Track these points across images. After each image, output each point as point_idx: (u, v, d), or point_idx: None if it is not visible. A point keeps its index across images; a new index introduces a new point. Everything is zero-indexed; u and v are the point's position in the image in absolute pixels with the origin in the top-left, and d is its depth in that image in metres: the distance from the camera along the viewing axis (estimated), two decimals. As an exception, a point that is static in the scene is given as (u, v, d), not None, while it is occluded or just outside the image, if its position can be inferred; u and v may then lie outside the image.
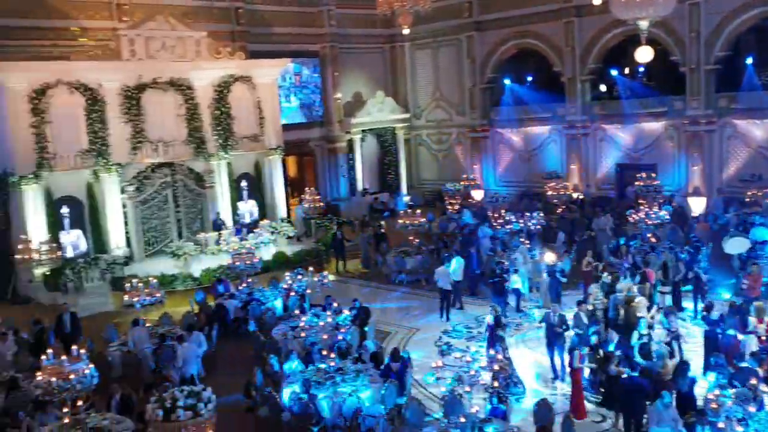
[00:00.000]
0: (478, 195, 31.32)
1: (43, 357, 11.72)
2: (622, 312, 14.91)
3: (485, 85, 33.13)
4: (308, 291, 18.02)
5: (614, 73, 29.69)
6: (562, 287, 17.79)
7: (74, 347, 12.26)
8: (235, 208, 26.86)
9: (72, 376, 11.17)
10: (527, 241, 20.99)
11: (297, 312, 16.84)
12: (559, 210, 26.51)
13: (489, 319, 14.67)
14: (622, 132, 29.52)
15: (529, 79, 33.37)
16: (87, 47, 24.40)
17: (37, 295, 21.78)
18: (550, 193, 27.93)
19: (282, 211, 28.34)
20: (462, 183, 31.56)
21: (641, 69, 29.43)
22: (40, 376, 11.24)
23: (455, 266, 18.79)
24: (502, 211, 25.06)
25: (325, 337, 14.96)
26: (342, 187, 33.77)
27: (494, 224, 23.39)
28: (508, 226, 22.66)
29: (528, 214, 23.21)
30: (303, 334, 15.26)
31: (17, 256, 21.38)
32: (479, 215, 27.20)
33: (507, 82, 32.42)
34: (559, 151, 31.38)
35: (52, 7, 24.41)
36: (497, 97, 33.17)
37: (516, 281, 18.42)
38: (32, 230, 21.99)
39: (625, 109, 28.96)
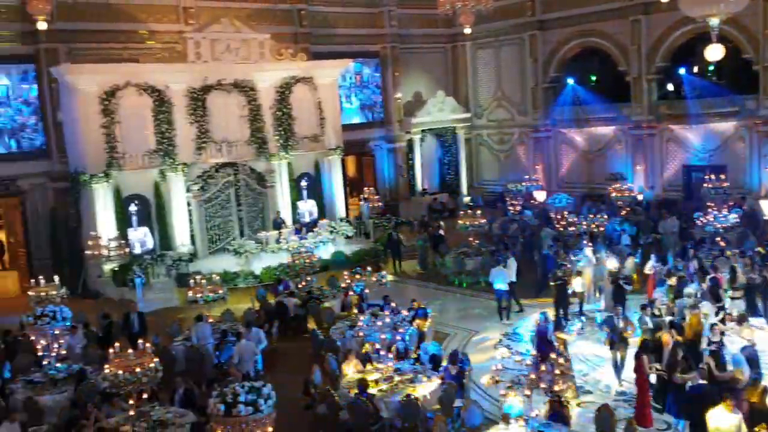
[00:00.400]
0: (540, 196, 30.89)
1: (111, 350, 12.04)
2: (688, 317, 14.45)
3: (548, 84, 32.65)
4: (366, 290, 18.07)
5: (682, 72, 28.84)
6: (626, 293, 17.37)
7: (140, 341, 12.55)
8: (295, 208, 27.18)
9: (137, 370, 11.42)
10: (590, 244, 20.57)
11: (355, 311, 16.90)
12: (623, 212, 25.90)
13: (539, 321, 14.42)
14: (689, 132, 28.66)
15: (593, 78, 32.71)
16: (155, 50, 25.06)
17: (106, 290, 22.47)
18: (613, 194, 27.33)
19: (341, 210, 28.53)
20: (524, 184, 31.18)
21: (711, 67, 28.50)
22: (107, 369, 11.54)
23: (509, 267, 18.59)
24: (565, 212, 24.64)
25: (382, 337, 14.96)
26: (401, 187, 33.72)
27: (556, 226, 23.01)
28: (571, 228, 22.27)
29: (591, 216, 22.75)
30: (361, 334, 15.31)
31: (87, 252, 22.07)
32: (541, 217, 26.82)
33: (570, 81, 31.87)
34: (623, 152, 30.67)
35: (121, 11, 25.15)
36: (560, 97, 32.64)
37: (578, 284, 18.09)
38: (102, 227, 22.67)
39: (694, 109, 28.08)
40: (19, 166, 23.60)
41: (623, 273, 18.00)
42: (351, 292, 18.26)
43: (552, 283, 17.73)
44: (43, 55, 23.47)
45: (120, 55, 24.45)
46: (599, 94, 31.33)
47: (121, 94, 23.25)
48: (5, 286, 23.81)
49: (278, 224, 25.52)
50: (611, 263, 18.30)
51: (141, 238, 24.08)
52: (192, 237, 24.72)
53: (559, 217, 23.43)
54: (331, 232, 25.66)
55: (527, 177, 32.06)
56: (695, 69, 29.48)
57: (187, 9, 26.59)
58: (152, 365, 11.61)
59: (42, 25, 20.59)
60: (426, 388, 12.52)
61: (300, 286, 19.44)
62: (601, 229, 22.15)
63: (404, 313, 16.25)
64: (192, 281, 17.61)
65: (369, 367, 13.51)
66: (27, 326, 14.74)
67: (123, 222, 23.44)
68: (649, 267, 18.22)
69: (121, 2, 25.14)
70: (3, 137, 23.46)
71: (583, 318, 17.85)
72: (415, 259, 24.47)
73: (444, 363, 13.35)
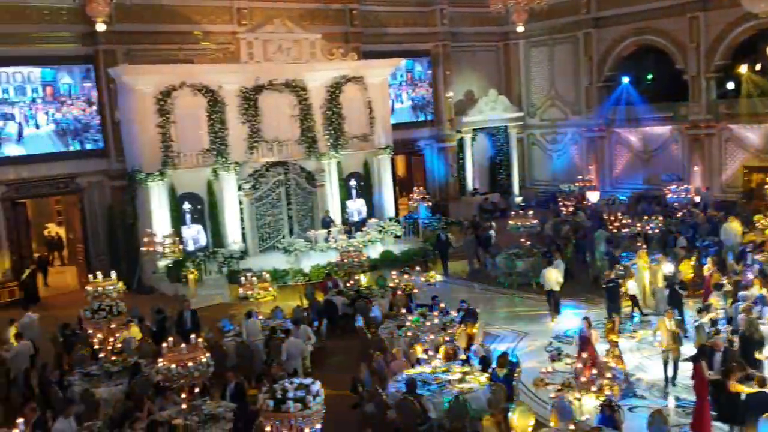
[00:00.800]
0: (593, 197, 30.36)
1: (164, 344, 12.27)
2: (745, 323, 14.01)
3: (602, 83, 32.10)
4: (415, 290, 18.02)
5: (743, 70, 27.97)
6: (682, 297, 16.94)
7: (192, 336, 12.76)
8: (344, 207, 27.31)
9: (190, 364, 11.62)
10: (644, 246, 20.13)
11: (403, 311, 16.88)
12: (680, 214, 25.26)
13: (586, 325, 14.13)
14: (750, 132, 27.81)
15: (649, 77, 31.99)
16: (209, 50, 25.47)
17: (160, 286, 22.94)
18: (669, 195, 26.68)
19: (390, 210, 28.54)
20: (577, 184, 30.71)
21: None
22: (160, 363, 11.77)
23: (557, 268, 18.34)
24: (619, 213, 24.17)
25: (431, 337, 14.90)
26: (451, 187, 33.53)
27: (610, 227, 22.58)
28: (625, 230, 21.83)
29: (646, 217, 22.26)
30: (409, 334, 15.27)
31: (142, 249, 22.58)
32: (594, 218, 26.35)
33: (625, 80, 31.25)
34: (680, 152, 29.95)
35: (177, 12, 25.63)
36: (615, 96, 32.05)
37: (632, 287, 17.72)
38: (157, 224, 23.17)
39: (755, 108, 27.24)
40: (78, 165, 24.27)
41: (678, 276, 17.53)
42: (399, 292, 18.24)
43: (604, 285, 17.40)
44: (101, 56, 24.06)
45: (175, 55, 24.89)
46: (655, 93, 30.65)
47: (176, 94, 23.70)
48: (64, 281, 24.55)
49: (327, 223, 25.67)
50: (667, 267, 17.85)
51: (194, 235, 24.52)
52: (243, 235, 25.05)
53: (612, 218, 22.98)
54: (380, 231, 25.69)
55: (580, 177, 31.57)
56: (757, 67, 28.57)
57: (241, 10, 26.95)
58: (204, 360, 11.81)
59: (101, 27, 21.13)
60: (474, 389, 12.42)
61: (348, 284, 19.51)
62: (656, 231, 21.66)
63: (453, 313, 16.16)
64: (243, 278, 17.84)
65: (417, 367, 13.48)
66: (84, 320, 15.12)
67: (177, 219, 23.90)
68: (707, 270, 17.72)
69: (177, 4, 25.62)
70: (64, 136, 24.10)
71: (636, 320, 17.48)
72: (464, 260, 24.29)
73: (493, 364, 13.22)
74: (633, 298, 17.78)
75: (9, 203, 23.24)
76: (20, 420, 9.77)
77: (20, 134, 23.25)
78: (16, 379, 15.43)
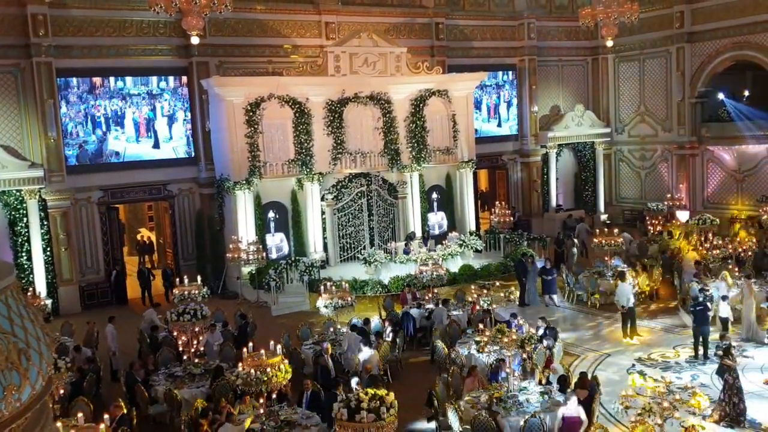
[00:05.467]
0: (683, 216, 29.31)
1: (244, 349, 12.57)
2: None
3: (695, 99, 31.01)
4: (493, 306, 17.83)
5: None
6: None
7: (272, 342, 13.02)
8: (425, 219, 27.33)
9: (269, 370, 11.85)
10: (736, 268, 19.29)
11: (481, 326, 16.69)
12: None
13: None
14: None
15: (746, 93, 30.70)
16: (297, 63, 26.06)
17: (244, 292, 23.53)
18: (765, 217, 25.48)
19: (471, 224, 28.37)
20: (666, 203, 29.73)
21: None
22: (240, 367, 12.06)
23: (630, 285, 17.90)
24: (710, 234, 23.26)
25: (508, 354, 14.68)
26: (534, 203, 33.05)
27: (700, 248, 21.75)
28: (716, 251, 20.97)
29: (738, 238, 21.33)
30: (486, 350, 15.10)
31: (228, 255, 23.23)
32: (683, 238, 25.44)
33: (720, 96, 30.09)
34: (778, 172, 28.60)
35: (268, 26, 26.37)
36: (708, 113, 30.91)
37: (722, 309, 16.99)
38: (242, 231, 23.79)
39: None
40: (170, 172, 25.22)
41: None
42: (478, 307, 18.09)
43: (691, 309, 16.75)
44: (195, 68, 24.98)
45: (265, 68, 25.57)
46: (752, 110, 29.37)
47: (265, 105, 24.35)
48: (156, 284, 25.48)
49: (410, 238, 25.75)
50: (760, 294, 17.03)
51: (277, 243, 25.06)
52: (325, 244, 25.43)
53: (702, 239, 22.15)
54: (461, 245, 25.56)
55: (669, 196, 30.56)
56: None
57: (329, 24, 27.47)
58: (282, 366, 12.03)
59: (195, 40, 21.90)
60: (551, 410, 12.17)
61: (427, 297, 19.49)
62: (749, 254, 20.74)
63: (532, 331, 15.88)
64: (323, 287, 18.09)
65: (494, 383, 13.32)
66: (170, 323, 15.65)
67: (262, 227, 24.49)
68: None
69: (268, 18, 26.36)
70: (159, 144, 25.09)
71: (725, 345, 16.71)
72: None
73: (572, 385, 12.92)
74: (723, 322, 17.04)
75: (104, 207, 24.37)
76: (106, 416, 10.22)
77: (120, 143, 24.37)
78: (117, 373, 16.11)
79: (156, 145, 25.01)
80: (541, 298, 21.30)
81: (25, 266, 22.25)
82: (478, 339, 15.78)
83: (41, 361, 3.43)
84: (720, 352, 13.20)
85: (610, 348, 17.37)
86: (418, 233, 26.47)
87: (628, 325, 17.84)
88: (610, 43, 26.22)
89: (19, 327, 3.40)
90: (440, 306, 18.37)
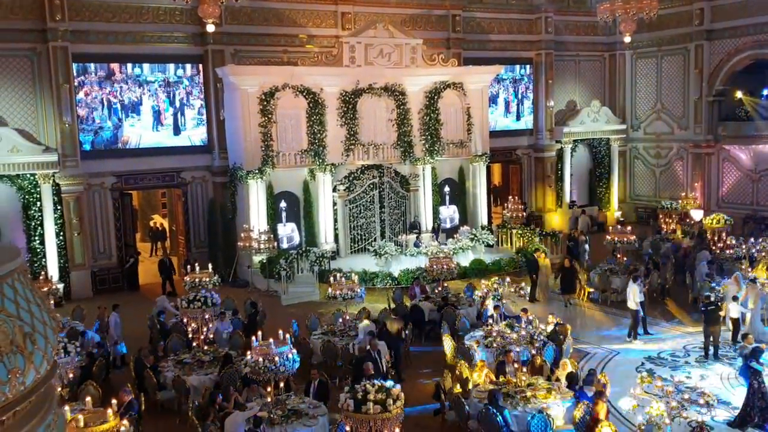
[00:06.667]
0: (697, 215, 29.09)
1: (253, 338, 12.60)
2: None
3: (713, 98, 30.70)
4: (503, 301, 17.76)
5: None
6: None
7: (280, 331, 13.05)
8: (436, 213, 27.27)
9: (277, 359, 11.89)
10: (749, 269, 19.12)
11: (490, 321, 16.67)
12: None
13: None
14: None
15: (765, 92, 30.36)
16: (312, 53, 26.00)
17: (254, 280, 23.59)
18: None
19: (483, 218, 28.28)
20: (680, 201, 29.51)
21: None
22: (249, 356, 12.10)
23: (639, 285, 17.75)
24: (724, 234, 23.07)
25: (518, 350, 14.66)
26: (547, 198, 32.89)
27: (713, 248, 21.58)
28: (729, 251, 20.80)
29: (752, 239, 21.14)
30: (495, 345, 15.08)
31: (239, 244, 23.28)
32: (697, 237, 25.24)
33: (738, 95, 29.78)
34: (795, 173, 28.31)
35: (284, 15, 26.31)
36: (726, 112, 30.60)
37: (733, 310, 16.85)
38: (254, 220, 23.83)
39: None
40: (184, 159, 25.26)
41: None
42: (488, 302, 18.02)
43: (702, 309, 16.63)
44: (210, 56, 24.96)
45: (280, 57, 25.53)
46: (770, 110, 29.08)
47: (279, 95, 24.32)
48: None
49: (413, 227, 25.71)
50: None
51: (289, 233, 25.09)
52: (336, 235, 25.43)
53: (716, 238, 21.97)
54: (472, 239, 25.48)
55: (684, 194, 30.33)
56: None
57: (345, 14, 27.37)
58: (290, 356, 12.06)
59: (210, 28, 21.95)
60: (559, 406, 12.13)
61: (436, 291, 19.47)
62: (763, 254, 20.54)
63: (541, 327, 15.84)
64: (332, 278, 18.10)
65: (501, 378, 13.29)
66: (181, 309, 15.71)
67: (273, 217, 24.51)
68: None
69: (284, 7, 26.30)
70: (172, 131, 25.13)
71: (736, 347, 16.60)
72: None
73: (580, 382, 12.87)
74: (733, 323, 16.91)
75: (118, 193, 24.47)
76: (113, 401, 10.28)
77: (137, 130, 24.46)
78: (116, 360, 16.26)
79: (177, 132, 25.08)
80: (563, 296, 21.10)
81: (38, 250, 22.42)
82: (487, 333, 15.77)
83: (46, 345, 3.43)
84: (746, 352, 13.02)
85: (619, 346, 17.28)
86: (426, 225, 26.37)
87: (639, 325, 17.71)
88: (628, 39, 26.01)
89: (25, 311, 3.40)
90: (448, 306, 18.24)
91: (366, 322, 16.04)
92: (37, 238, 22.45)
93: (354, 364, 14.12)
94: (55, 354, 3.53)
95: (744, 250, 20.54)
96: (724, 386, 14.50)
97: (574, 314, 20.07)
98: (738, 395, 13.69)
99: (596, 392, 11.83)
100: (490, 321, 16.42)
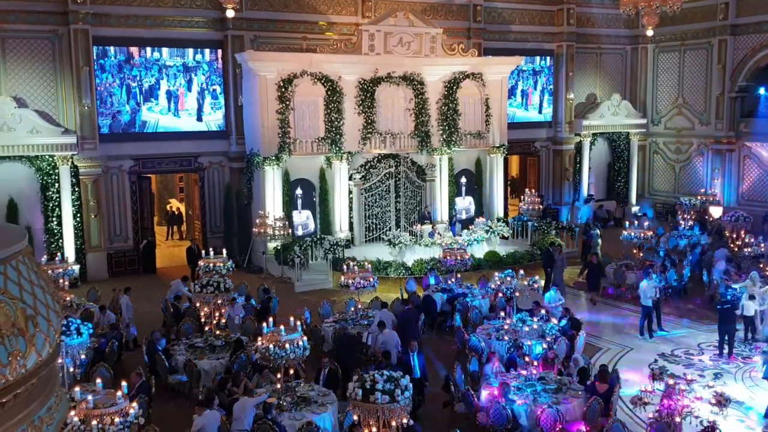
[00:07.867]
0: (716, 212, 28.77)
1: (264, 324, 12.64)
2: None
3: (736, 93, 30.27)
4: (517, 294, 17.68)
5: None
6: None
7: (291, 318, 13.08)
8: (452, 204, 27.16)
9: (287, 346, 11.91)
10: (766, 268, 18.89)
11: (503, 314, 16.62)
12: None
13: None
14: None
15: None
16: (331, 41, 25.92)
17: (268, 267, 23.65)
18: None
19: (499, 210, 28.14)
20: (699, 197, 29.19)
21: None
22: (260, 342, 12.13)
23: (653, 281, 17.59)
24: (742, 231, 22.81)
25: (529, 343, 14.61)
26: (565, 192, 32.65)
27: (731, 245, 21.33)
28: (747, 249, 20.56)
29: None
30: (506, 338, 15.03)
31: (254, 229, 23.34)
32: (715, 234, 24.99)
33: (762, 91, 29.35)
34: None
35: (304, 2, 26.21)
36: (749, 108, 30.17)
37: (748, 308, 16.67)
38: (269, 207, 23.86)
39: None
40: (201, 144, 25.34)
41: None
42: (501, 294, 17.96)
43: (718, 306, 16.46)
44: (229, 42, 24.95)
45: (299, 44, 25.48)
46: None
47: (297, 82, 24.27)
48: (181, 254, 25.71)
49: (424, 217, 25.66)
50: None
51: (304, 220, 25.10)
52: (351, 224, 25.42)
53: (735, 236, 21.73)
54: (487, 231, 25.36)
55: (703, 191, 30.00)
56: None
57: (366, 2, 27.19)
58: (301, 343, 12.08)
59: (230, 13, 21.92)
60: (570, 401, 12.07)
61: (450, 282, 19.41)
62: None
63: (554, 321, 15.76)
64: (346, 266, 18.10)
65: (512, 372, 13.25)
66: (194, 294, 15.79)
67: (289, 204, 24.53)
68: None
69: (305, -7, 26.26)
70: (191, 116, 25.19)
71: (750, 345, 16.44)
72: (574, 266, 23.53)
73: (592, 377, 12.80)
74: (749, 320, 16.73)
75: (135, 177, 24.60)
76: (124, 383, 10.35)
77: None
78: (128, 343, 16.40)
79: (199, 118, 25.15)
80: (590, 293, 20.85)
81: (55, 231, 22.62)
82: (499, 326, 15.72)
83: (49, 328, 3.43)
84: None
85: (633, 342, 17.16)
86: (440, 216, 26.27)
87: (653, 322, 17.56)
88: (650, 33, 25.74)
89: (28, 293, 3.40)
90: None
91: (386, 311, 16.06)
92: (54, 219, 22.64)
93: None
94: (58, 338, 3.53)
95: (762, 249, 20.28)
96: (738, 385, 14.35)
97: (590, 308, 19.94)
98: (752, 394, 13.57)
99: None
100: (503, 314, 16.37)
